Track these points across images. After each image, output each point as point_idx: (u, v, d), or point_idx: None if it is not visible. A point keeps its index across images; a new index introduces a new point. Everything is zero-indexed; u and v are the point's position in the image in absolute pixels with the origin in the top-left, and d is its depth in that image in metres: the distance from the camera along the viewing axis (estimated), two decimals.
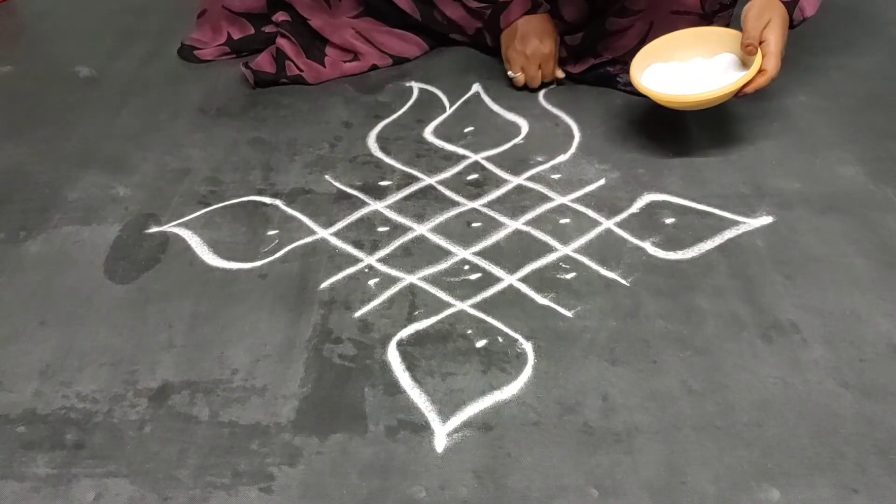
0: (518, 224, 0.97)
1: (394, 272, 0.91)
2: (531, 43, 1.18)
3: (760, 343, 0.81)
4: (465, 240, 0.95)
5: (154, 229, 0.98)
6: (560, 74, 1.23)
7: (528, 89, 1.22)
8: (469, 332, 0.83)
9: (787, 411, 0.74)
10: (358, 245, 0.95)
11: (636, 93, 1.09)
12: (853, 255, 0.91)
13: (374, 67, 1.30)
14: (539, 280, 0.89)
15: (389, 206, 1.01)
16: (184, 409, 0.76)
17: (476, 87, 1.24)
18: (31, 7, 1.55)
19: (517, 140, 1.13)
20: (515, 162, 1.08)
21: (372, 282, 0.90)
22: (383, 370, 0.80)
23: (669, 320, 0.84)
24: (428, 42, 1.33)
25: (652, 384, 0.77)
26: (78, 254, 0.94)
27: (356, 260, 0.93)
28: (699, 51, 1.08)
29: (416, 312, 0.86)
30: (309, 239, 0.96)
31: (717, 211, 0.98)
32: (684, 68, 1.08)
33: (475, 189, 1.03)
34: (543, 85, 1.23)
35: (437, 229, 0.97)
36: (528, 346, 0.82)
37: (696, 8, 1.12)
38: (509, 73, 1.22)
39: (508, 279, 0.90)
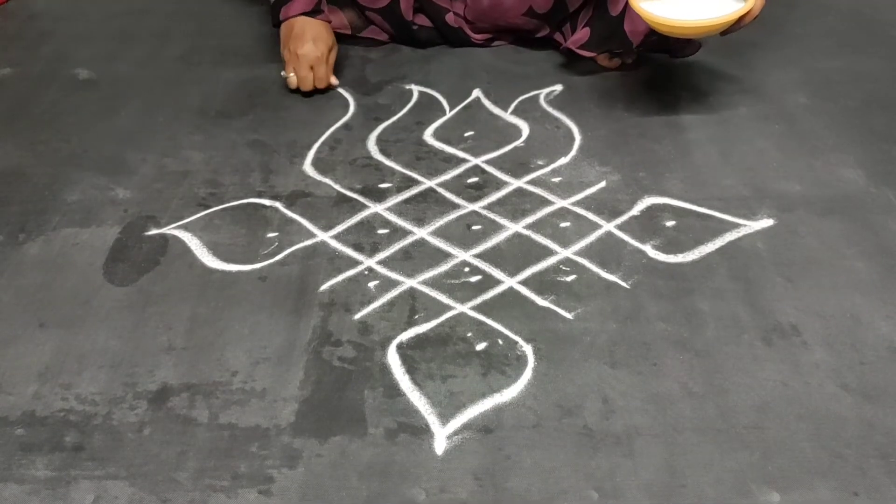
0: (518, 227, 0.97)
1: (394, 275, 0.91)
2: (305, 44, 1.18)
3: (761, 346, 0.81)
4: (466, 242, 0.95)
5: (153, 231, 0.98)
6: (334, 82, 1.23)
7: (302, 93, 1.23)
8: (469, 334, 0.83)
9: (787, 414, 0.74)
10: (358, 248, 0.95)
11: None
12: (854, 258, 0.91)
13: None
14: (539, 282, 0.89)
15: (389, 209, 1.01)
16: (183, 411, 0.76)
17: (476, 93, 1.24)
18: (30, 9, 1.55)
19: (518, 143, 1.13)
20: (516, 165, 1.08)
21: (372, 284, 0.90)
22: (383, 373, 0.79)
23: (670, 323, 0.84)
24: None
25: (652, 387, 0.77)
26: (77, 256, 0.94)
27: (356, 262, 0.93)
28: None
29: (417, 316, 0.86)
30: (309, 241, 0.96)
31: (717, 213, 0.98)
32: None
33: (475, 192, 1.03)
34: (318, 90, 1.23)
35: (438, 232, 0.97)
36: (528, 349, 0.81)
37: None
38: (282, 73, 1.23)
39: (509, 281, 0.89)
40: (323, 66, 1.20)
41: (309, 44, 1.18)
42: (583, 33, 1.24)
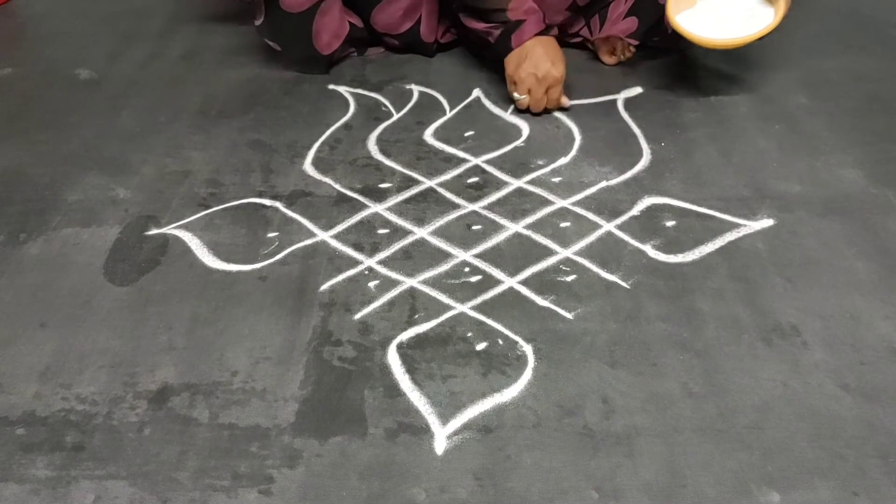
0: (518, 227, 0.97)
1: (394, 275, 0.91)
2: (543, 65, 1.13)
3: (761, 346, 0.81)
4: (466, 242, 0.95)
5: (154, 231, 0.98)
6: (566, 103, 1.18)
7: (531, 112, 1.18)
8: (469, 334, 0.83)
9: (787, 414, 0.74)
10: (358, 247, 0.95)
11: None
12: (854, 258, 0.91)
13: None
14: (539, 282, 0.89)
15: (389, 209, 1.01)
16: (183, 411, 0.76)
17: (476, 93, 1.24)
18: (31, 9, 1.55)
19: (518, 142, 1.13)
20: (516, 164, 1.08)
21: (372, 284, 0.90)
22: (383, 373, 0.79)
23: (670, 323, 0.84)
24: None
25: (652, 387, 0.77)
26: (78, 256, 0.94)
27: (356, 262, 0.93)
28: None
29: (417, 315, 0.86)
30: (309, 241, 0.96)
31: (717, 214, 0.98)
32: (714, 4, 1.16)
33: (475, 192, 1.03)
34: (546, 111, 1.19)
35: (438, 232, 0.97)
36: (528, 349, 0.81)
37: None
38: (514, 94, 1.17)
39: (509, 281, 0.90)
40: (559, 87, 1.15)
41: (548, 64, 1.13)
42: (630, 22, 1.24)
